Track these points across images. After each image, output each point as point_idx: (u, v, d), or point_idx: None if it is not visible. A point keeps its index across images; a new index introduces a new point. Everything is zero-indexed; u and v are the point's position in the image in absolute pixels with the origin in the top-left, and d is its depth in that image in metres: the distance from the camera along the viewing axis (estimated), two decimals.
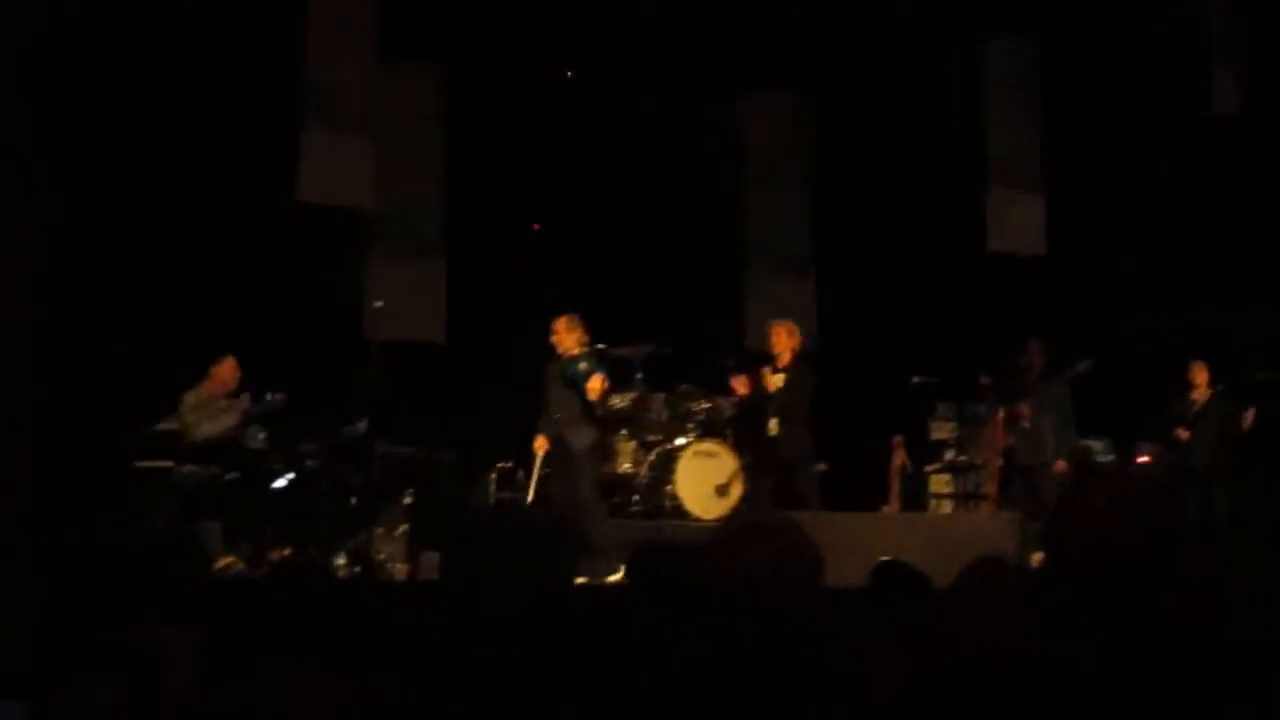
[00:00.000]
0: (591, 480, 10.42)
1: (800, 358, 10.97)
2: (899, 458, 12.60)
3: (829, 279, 13.55)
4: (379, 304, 11.59)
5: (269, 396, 10.59)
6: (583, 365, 10.36)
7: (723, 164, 13.80)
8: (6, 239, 7.80)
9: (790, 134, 13.77)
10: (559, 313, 10.86)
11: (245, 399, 10.65)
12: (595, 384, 10.33)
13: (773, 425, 10.80)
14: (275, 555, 10.06)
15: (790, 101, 13.72)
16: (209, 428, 10.53)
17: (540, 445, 10.47)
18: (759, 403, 10.97)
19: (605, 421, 10.93)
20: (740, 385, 11.05)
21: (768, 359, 11.04)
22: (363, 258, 12.40)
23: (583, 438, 10.42)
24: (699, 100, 13.35)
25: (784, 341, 10.96)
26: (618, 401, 10.89)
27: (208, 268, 11.84)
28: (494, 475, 11.45)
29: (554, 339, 10.53)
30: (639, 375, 11.57)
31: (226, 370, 10.78)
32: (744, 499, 11.03)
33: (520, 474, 11.22)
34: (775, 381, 10.89)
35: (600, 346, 10.62)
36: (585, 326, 10.58)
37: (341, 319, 12.01)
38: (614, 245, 13.29)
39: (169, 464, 10.36)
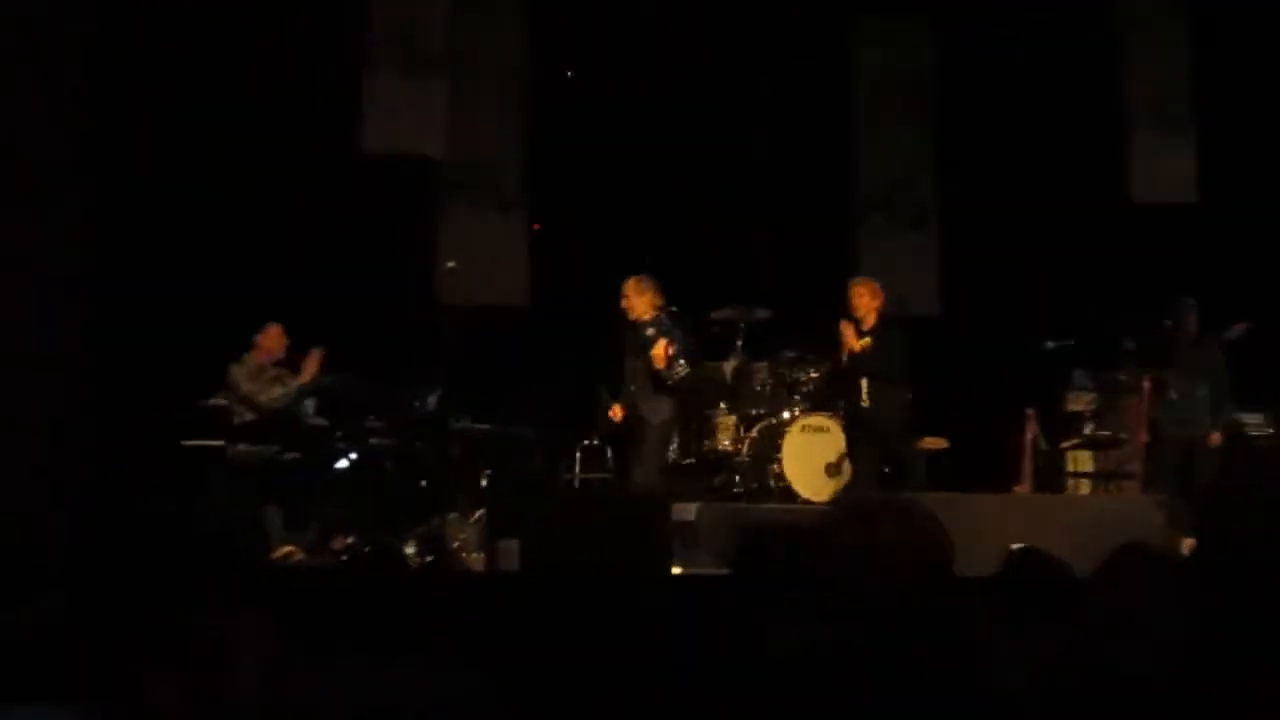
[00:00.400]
0: (657, 458, 10.46)
1: (886, 318, 11.05)
2: (1031, 432, 12.34)
3: (953, 232, 13.43)
4: (452, 265, 11.66)
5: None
6: (649, 331, 10.43)
7: (834, 101, 13.64)
8: (53, 206, 8.26)
9: (909, 65, 13.60)
10: (651, 272, 10.92)
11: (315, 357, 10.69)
12: (658, 350, 10.39)
13: (864, 395, 10.91)
14: (339, 543, 10.17)
15: (908, 26, 13.59)
16: (265, 399, 10.61)
17: (615, 413, 10.60)
18: (848, 370, 11.06)
19: (681, 392, 10.88)
20: (851, 335, 11.02)
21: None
22: (436, 214, 12.39)
23: (657, 411, 10.49)
24: (807, 27, 13.25)
25: (866, 302, 11.02)
26: (680, 370, 10.75)
27: (264, 226, 11.85)
28: (579, 454, 11.43)
29: (624, 303, 10.62)
30: (739, 342, 11.43)
31: (272, 339, 10.82)
32: (855, 478, 10.97)
33: (608, 452, 11.33)
34: (861, 346, 10.96)
35: (673, 309, 10.66)
36: (658, 288, 10.61)
37: (412, 282, 12.00)
38: (713, 197, 13.14)
39: (220, 443, 10.46)
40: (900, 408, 10.99)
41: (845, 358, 11.08)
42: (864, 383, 11.02)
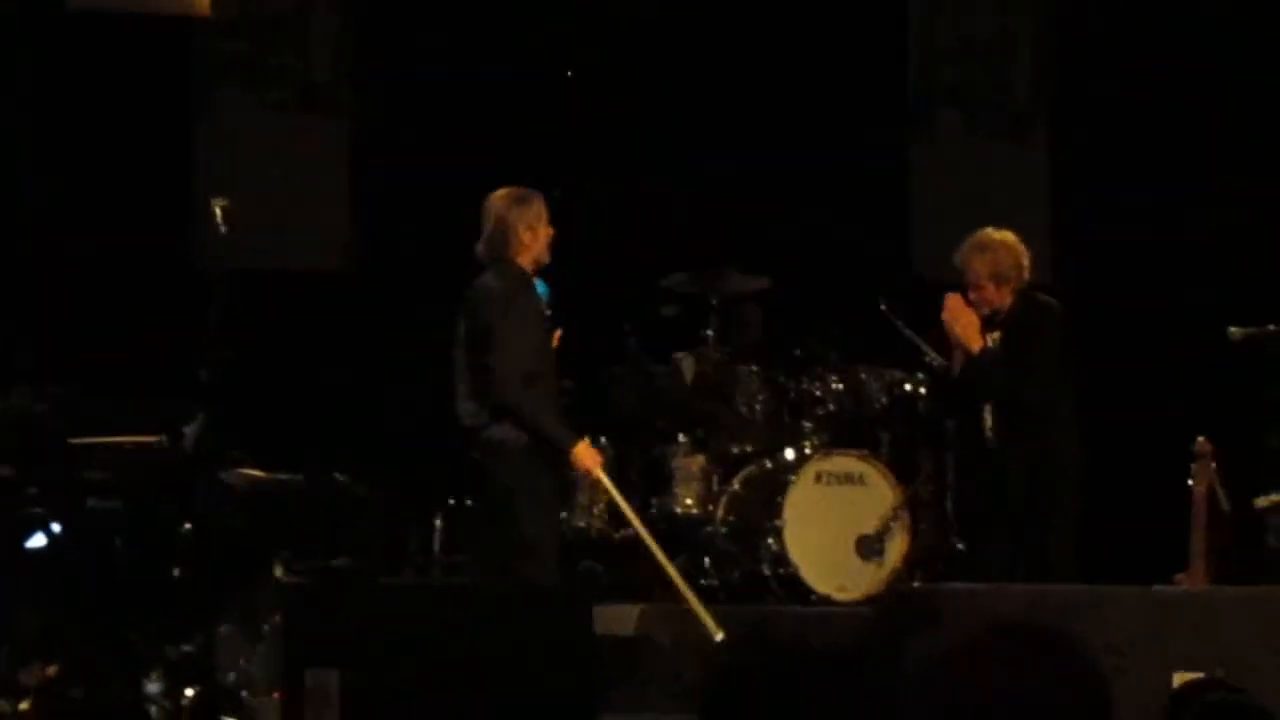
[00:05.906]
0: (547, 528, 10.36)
1: (1030, 300, 10.85)
2: (1204, 479, 11.98)
3: (1066, 142, 13.93)
4: (223, 203, 11.13)
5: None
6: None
7: None
8: None
9: None
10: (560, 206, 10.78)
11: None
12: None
13: (988, 420, 10.77)
14: (31, 677, 10.21)
15: None
16: None
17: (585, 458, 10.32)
18: (959, 384, 10.99)
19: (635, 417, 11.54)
20: (963, 322, 10.73)
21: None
22: (195, 113, 13.03)
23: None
24: None
25: (985, 267, 10.68)
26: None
27: None
28: (439, 521, 11.59)
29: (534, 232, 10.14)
30: (710, 330, 11.72)
31: None
32: (907, 561, 11.28)
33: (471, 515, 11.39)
34: (986, 342, 10.76)
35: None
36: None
37: (154, 232, 12.58)
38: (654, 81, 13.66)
39: None
40: (1060, 451, 10.85)
41: (954, 363, 10.93)
42: (988, 409, 10.87)
